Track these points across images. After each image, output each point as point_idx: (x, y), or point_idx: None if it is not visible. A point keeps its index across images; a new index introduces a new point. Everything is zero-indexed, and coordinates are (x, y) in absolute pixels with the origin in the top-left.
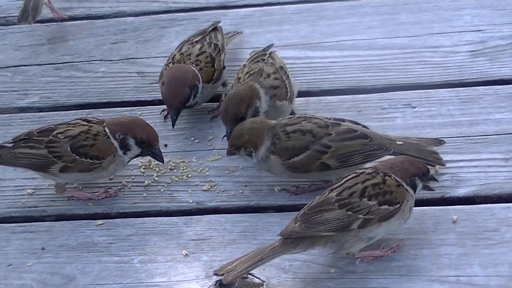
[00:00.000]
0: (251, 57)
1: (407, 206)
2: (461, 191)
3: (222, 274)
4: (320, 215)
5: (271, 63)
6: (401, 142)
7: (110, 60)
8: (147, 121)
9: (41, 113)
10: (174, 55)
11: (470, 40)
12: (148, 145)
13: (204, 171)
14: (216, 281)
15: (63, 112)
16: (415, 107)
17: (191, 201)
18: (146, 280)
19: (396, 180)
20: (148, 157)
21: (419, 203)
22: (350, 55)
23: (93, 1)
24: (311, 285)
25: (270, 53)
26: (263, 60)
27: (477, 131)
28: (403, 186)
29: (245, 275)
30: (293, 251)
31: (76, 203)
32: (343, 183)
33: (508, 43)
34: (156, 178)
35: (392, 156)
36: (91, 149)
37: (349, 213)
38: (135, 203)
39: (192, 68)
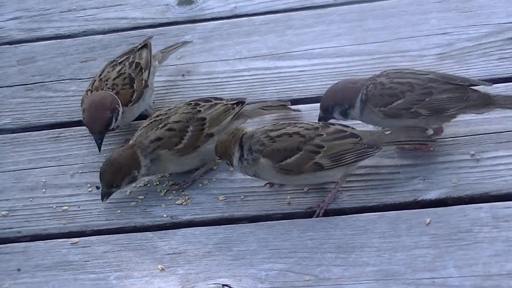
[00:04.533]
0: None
1: None
2: (433, 194)
3: None
4: None
5: (198, 110)
6: (389, 131)
7: (80, 79)
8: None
9: (13, 135)
10: (95, 80)
11: (437, 43)
12: None
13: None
14: None
15: (35, 133)
16: None
17: (165, 215)
18: None
19: None
20: None
21: (392, 207)
22: (318, 63)
23: (61, 20)
24: None
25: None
26: (197, 106)
27: (448, 133)
28: None
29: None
30: None
31: (50, 222)
32: None
33: (474, 44)
34: (129, 194)
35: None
36: None
37: None
38: (109, 219)
39: (110, 93)
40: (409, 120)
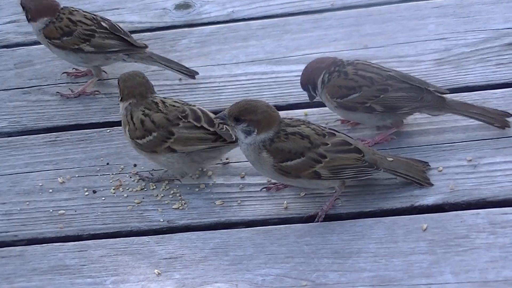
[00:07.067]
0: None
1: None
2: (430, 199)
3: None
4: None
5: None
6: (391, 159)
7: (77, 83)
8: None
9: (10, 138)
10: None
11: (435, 48)
12: None
13: (174, 189)
14: None
15: (32, 136)
16: None
17: (162, 219)
18: None
19: None
20: (118, 177)
21: (389, 212)
22: None
23: None
24: None
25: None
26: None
27: (445, 138)
28: None
29: None
30: None
31: (47, 226)
32: None
33: (472, 50)
34: (126, 198)
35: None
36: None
37: None
38: (106, 224)
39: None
40: (364, 114)
